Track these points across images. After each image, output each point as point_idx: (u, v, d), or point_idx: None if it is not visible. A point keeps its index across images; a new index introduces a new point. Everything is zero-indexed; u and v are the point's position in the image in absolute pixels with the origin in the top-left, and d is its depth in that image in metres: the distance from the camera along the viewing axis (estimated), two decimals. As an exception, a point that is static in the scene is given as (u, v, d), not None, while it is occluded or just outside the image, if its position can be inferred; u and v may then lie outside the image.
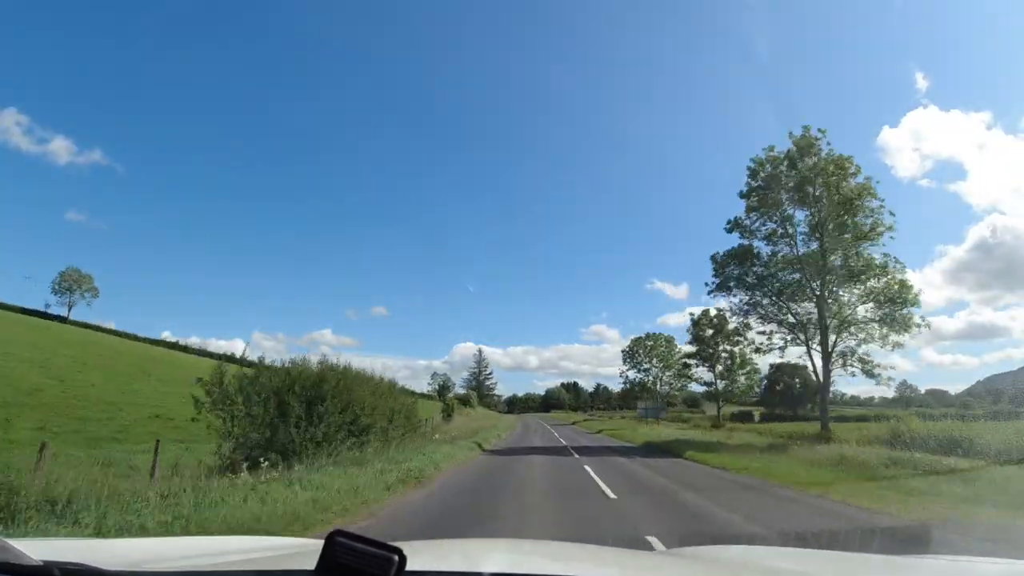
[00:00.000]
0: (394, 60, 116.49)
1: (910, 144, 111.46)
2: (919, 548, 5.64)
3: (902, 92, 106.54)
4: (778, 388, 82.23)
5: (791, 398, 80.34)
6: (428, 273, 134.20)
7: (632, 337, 71.35)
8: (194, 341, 69.35)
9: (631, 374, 70.15)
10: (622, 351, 71.00)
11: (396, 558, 0.96)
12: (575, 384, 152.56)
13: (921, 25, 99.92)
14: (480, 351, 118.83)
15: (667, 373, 66.85)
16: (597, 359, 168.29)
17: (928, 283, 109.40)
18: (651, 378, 67.68)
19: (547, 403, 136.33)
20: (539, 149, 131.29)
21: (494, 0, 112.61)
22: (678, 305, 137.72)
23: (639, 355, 69.42)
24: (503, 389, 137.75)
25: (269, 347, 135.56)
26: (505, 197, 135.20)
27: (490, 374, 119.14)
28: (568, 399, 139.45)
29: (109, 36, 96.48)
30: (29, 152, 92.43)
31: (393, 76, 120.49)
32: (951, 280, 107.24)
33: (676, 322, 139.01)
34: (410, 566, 0.98)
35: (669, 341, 67.32)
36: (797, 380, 78.74)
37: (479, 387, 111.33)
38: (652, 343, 68.02)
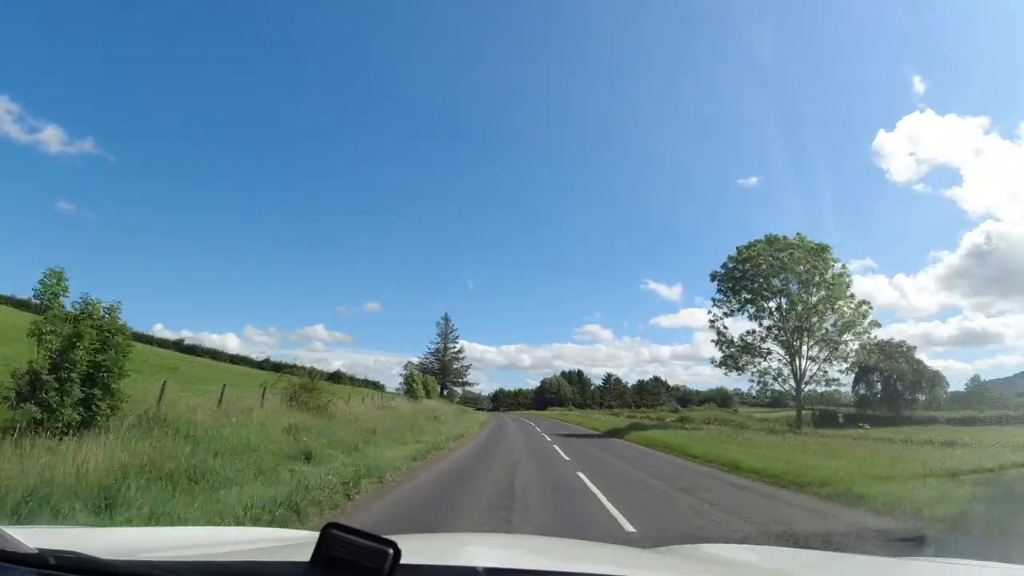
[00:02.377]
0: (392, 57, 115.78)
1: (906, 148, 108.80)
2: (912, 550, 5.54)
3: (899, 95, 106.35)
4: (875, 379, 57.40)
5: (892, 393, 55.57)
6: (421, 271, 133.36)
7: (738, 247, 34.82)
8: (186, 335, 65.10)
9: (732, 324, 35.29)
10: (712, 274, 35.35)
11: (391, 551, 0.96)
12: (579, 374, 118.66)
13: (920, 28, 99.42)
14: (446, 319, 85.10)
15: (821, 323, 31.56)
16: (591, 358, 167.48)
17: (921, 289, 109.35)
18: (785, 331, 31.78)
19: (543, 398, 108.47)
20: (535, 149, 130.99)
21: (496, 1, 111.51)
22: (671, 306, 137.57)
23: (755, 281, 33.12)
24: (490, 385, 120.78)
25: (261, 341, 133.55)
26: (500, 196, 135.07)
27: (460, 352, 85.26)
28: (571, 392, 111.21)
29: (102, 25, 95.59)
30: (19, 141, 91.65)
31: (392, 75, 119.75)
32: (944, 286, 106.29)
33: (670, 323, 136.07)
34: (405, 559, 0.97)
35: (819, 251, 32.29)
36: (903, 366, 54.49)
37: (444, 370, 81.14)
38: (786, 254, 32.27)
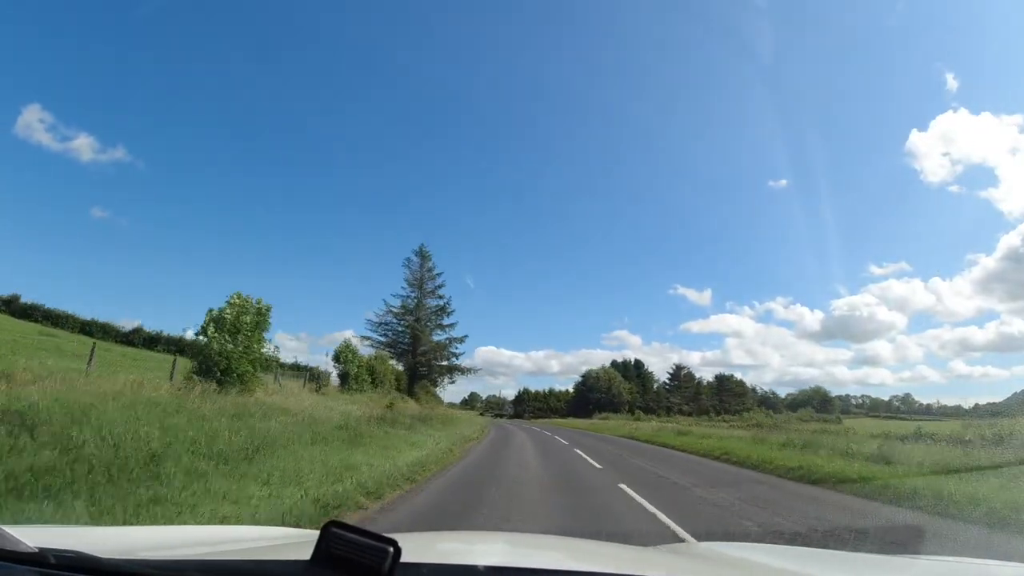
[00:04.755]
0: (418, 66, 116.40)
1: (939, 148, 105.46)
2: (916, 547, 5.50)
3: (932, 94, 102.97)
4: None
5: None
6: (447, 276, 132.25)
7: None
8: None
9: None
10: None
11: (391, 549, 0.95)
12: (638, 365, 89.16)
13: (951, 24, 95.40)
14: (421, 255, 47.96)
15: None
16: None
17: (958, 292, 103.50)
18: None
19: (585, 398, 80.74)
20: (559, 158, 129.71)
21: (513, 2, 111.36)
22: (701, 312, 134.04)
23: None
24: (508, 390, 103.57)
25: (292, 347, 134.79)
26: (526, 203, 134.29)
27: (444, 312, 47.34)
28: (628, 391, 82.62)
29: (131, 35, 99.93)
30: (51, 149, 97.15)
31: (418, 83, 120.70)
32: (981, 290, 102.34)
33: (700, 329, 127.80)
34: (405, 558, 0.97)
35: None
36: None
37: (415, 346, 44.97)
38: None
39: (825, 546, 5.31)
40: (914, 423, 26.96)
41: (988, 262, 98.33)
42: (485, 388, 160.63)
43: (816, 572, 1.80)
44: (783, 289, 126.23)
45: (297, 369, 31.22)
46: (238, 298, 15.12)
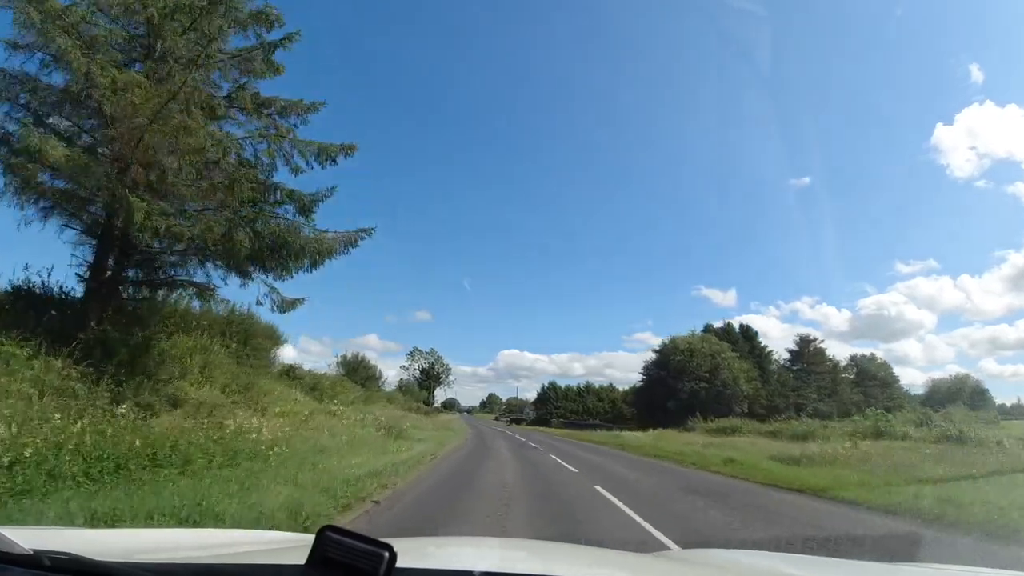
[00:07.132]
0: (438, 67, 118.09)
1: (965, 143, 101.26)
2: (914, 555, 5.50)
3: (956, 86, 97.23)
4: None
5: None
6: (469, 279, 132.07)
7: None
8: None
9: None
10: None
11: (386, 554, 0.95)
12: (746, 332, 58.16)
13: (974, 14, 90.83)
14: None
15: None
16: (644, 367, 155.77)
17: (987, 290, 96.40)
18: None
19: (664, 392, 48.54)
20: (583, 158, 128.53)
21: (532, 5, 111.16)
22: (725, 313, 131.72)
23: None
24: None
25: (316, 351, 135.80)
26: (546, 205, 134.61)
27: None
28: (747, 378, 51.04)
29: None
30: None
31: (438, 82, 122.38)
32: (1012, 287, 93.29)
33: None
34: (400, 563, 0.97)
35: None
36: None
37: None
38: None
39: None
40: None
41: (1018, 258, 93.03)
42: (507, 391, 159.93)
43: None
44: (808, 289, 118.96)
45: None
46: None
